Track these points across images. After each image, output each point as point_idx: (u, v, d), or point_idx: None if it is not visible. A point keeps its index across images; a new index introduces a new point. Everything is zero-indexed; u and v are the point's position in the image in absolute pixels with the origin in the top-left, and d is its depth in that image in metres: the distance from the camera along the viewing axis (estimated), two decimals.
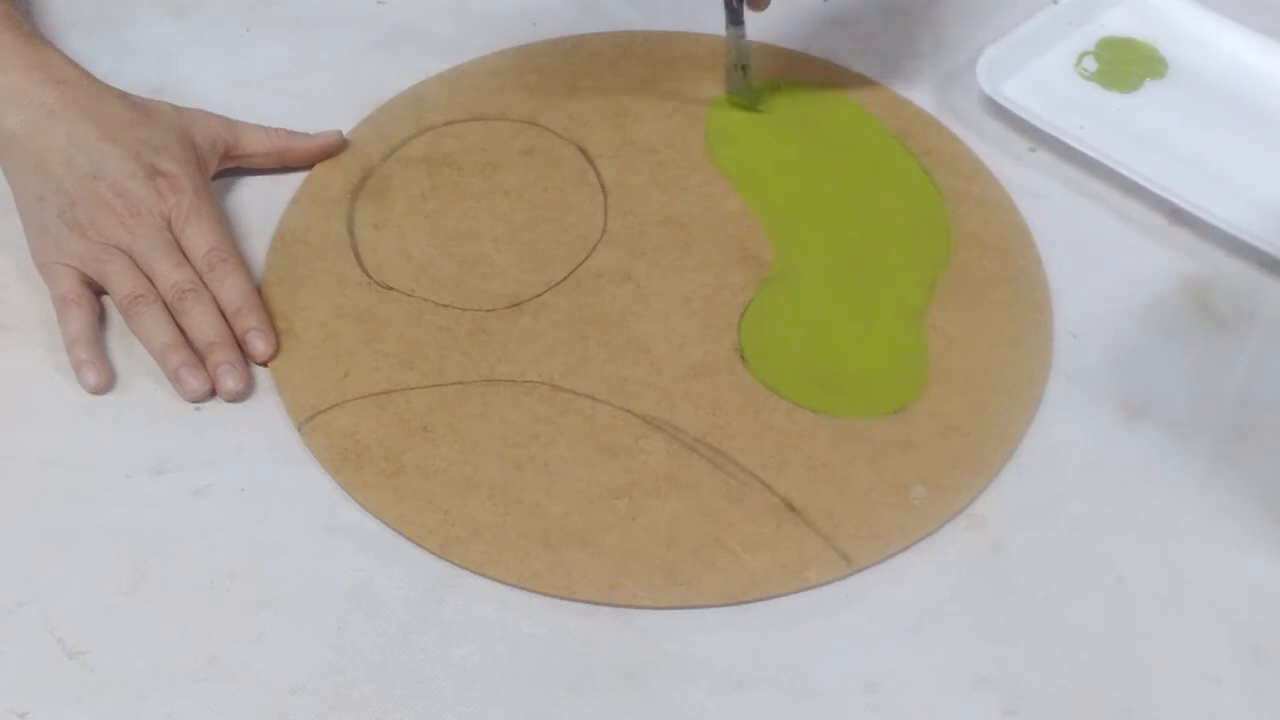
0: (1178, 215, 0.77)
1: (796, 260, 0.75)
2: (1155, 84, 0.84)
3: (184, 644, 0.61)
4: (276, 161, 0.78)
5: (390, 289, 0.73)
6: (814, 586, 0.63)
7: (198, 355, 0.69)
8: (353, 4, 0.88)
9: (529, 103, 0.82)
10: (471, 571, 0.63)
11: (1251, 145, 0.80)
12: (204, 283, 0.71)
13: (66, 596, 0.62)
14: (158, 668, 0.60)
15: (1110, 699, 0.60)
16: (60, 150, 0.72)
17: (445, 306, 0.73)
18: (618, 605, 0.62)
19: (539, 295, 0.73)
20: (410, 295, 0.73)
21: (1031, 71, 0.84)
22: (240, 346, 0.70)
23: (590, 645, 0.61)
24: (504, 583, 0.63)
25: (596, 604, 0.62)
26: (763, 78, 0.82)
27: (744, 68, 0.81)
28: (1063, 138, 0.79)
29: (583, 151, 0.80)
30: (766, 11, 0.80)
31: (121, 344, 0.71)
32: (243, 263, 0.72)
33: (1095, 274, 0.75)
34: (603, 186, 0.78)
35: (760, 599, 0.62)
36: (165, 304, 0.70)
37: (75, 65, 0.76)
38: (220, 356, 0.69)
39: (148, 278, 0.71)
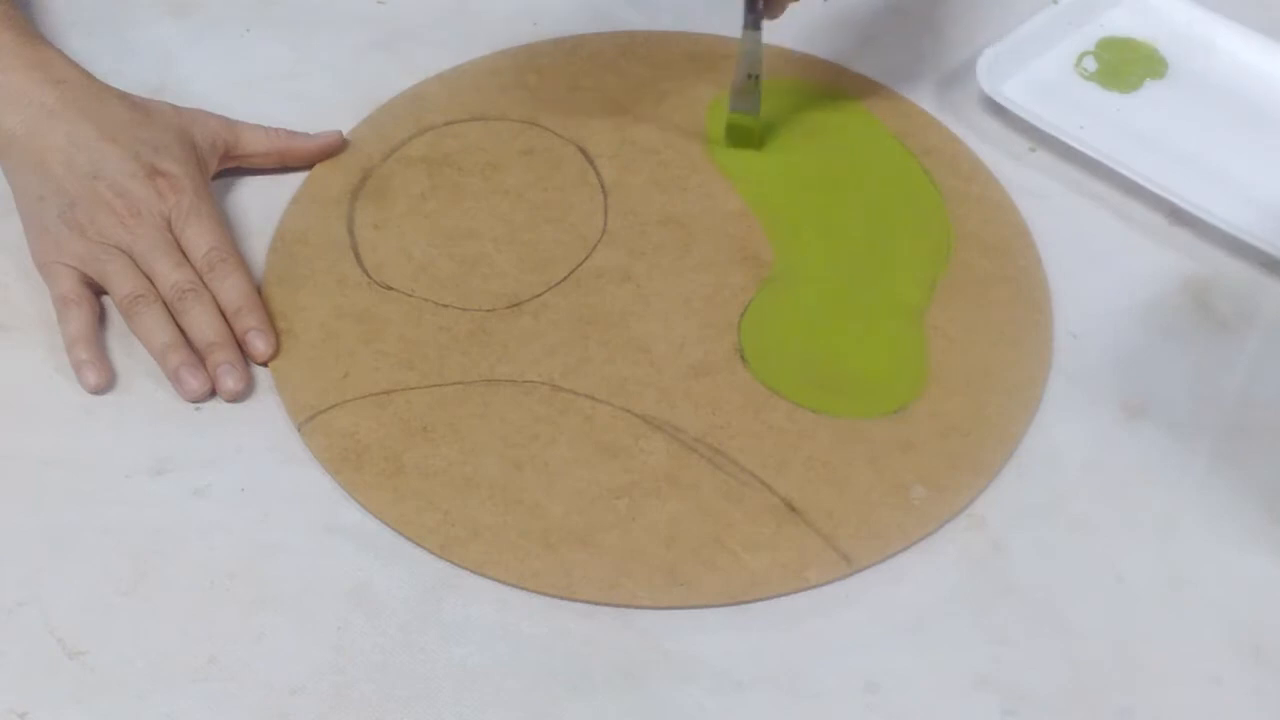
0: (1178, 215, 0.77)
1: (796, 260, 0.75)
2: (1155, 84, 0.84)
3: (184, 644, 0.61)
4: (276, 161, 0.78)
5: (390, 289, 0.73)
6: (814, 586, 0.63)
7: (198, 355, 0.69)
8: (353, 4, 0.88)
9: (529, 103, 0.82)
10: (471, 571, 0.63)
11: (1251, 145, 0.80)
12: (204, 283, 0.71)
13: (66, 596, 0.62)
14: (158, 668, 0.60)
15: (1110, 699, 0.60)
16: (60, 150, 0.72)
17: (445, 306, 0.73)
18: (618, 605, 0.62)
19: (539, 295, 0.73)
20: (410, 295, 0.73)
21: (1031, 71, 0.84)
22: (240, 346, 0.70)
23: (590, 645, 0.61)
24: (504, 583, 0.63)
25: (596, 604, 0.62)
26: (763, 79, 0.82)
27: (755, 77, 0.78)
28: (1063, 138, 0.79)
29: (583, 151, 0.80)
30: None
31: (121, 344, 0.71)
32: (243, 263, 0.72)
33: (1095, 274, 0.75)
34: (603, 186, 0.78)
35: (760, 599, 0.62)
36: (165, 304, 0.70)
37: (75, 65, 0.76)
38: (220, 356, 0.69)
39: (148, 278, 0.71)
